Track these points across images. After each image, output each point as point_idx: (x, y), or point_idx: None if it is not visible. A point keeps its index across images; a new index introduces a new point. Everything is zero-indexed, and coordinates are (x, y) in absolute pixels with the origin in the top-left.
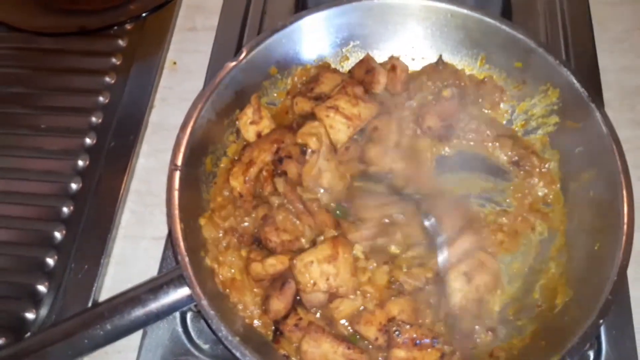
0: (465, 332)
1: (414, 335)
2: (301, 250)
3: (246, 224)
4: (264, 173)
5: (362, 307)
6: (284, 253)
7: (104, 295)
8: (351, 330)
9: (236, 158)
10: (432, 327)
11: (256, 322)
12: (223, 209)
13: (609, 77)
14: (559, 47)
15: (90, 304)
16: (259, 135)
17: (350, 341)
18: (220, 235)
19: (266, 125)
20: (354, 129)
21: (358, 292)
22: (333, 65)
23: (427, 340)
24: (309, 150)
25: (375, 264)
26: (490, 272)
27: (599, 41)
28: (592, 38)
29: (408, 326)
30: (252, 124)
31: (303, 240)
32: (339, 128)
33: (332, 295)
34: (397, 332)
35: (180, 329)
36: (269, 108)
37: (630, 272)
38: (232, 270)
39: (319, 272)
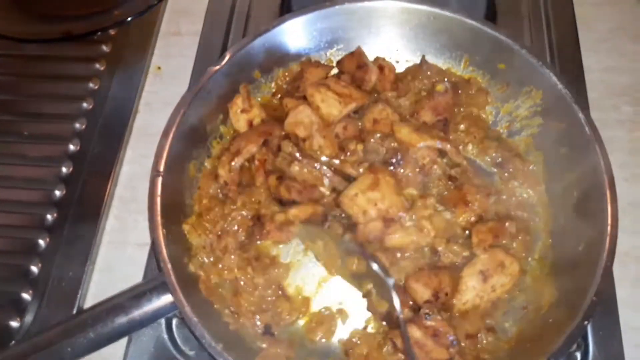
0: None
1: (440, 328)
2: (322, 197)
3: (243, 212)
4: (256, 163)
5: (414, 239)
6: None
7: (88, 302)
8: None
9: (225, 147)
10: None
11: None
12: (210, 212)
13: (594, 77)
14: (543, 48)
15: (74, 311)
16: (250, 124)
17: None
18: (213, 242)
19: (256, 114)
20: (346, 105)
21: (413, 223)
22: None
23: (449, 337)
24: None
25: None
26: (508, 272)
27: (583, 41)
28: (576, 38)
29: (439, 317)
30: (242, 112)
31: (322, 189)
32: (330, 103)
33: (388, 222)
34: (427, 316)
35: (165, 336)
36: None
37: (617, 272)
38: (235, 270)
39: (365, 200)
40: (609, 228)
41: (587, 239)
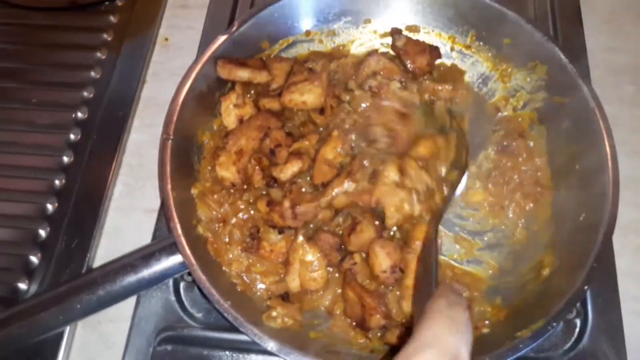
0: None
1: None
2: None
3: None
4: (252, 162)
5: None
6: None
7: (97, 264)
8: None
9: (217, 144)
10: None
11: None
12: (215, 193)
13: (596, 57)
14: (547, 29)
15: (84, 270)
16: (240, 121)
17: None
18: (219, 226)
19: (248, 112)
20: (323, 89)
21: None
22: (324, 41)
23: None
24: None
25: None
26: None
27: (586, 22)
28: (579, 19)
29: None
30: (235, 107)
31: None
32: (310, 94)
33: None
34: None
35: (173, 298)
36: None
37: (616, 244)
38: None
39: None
40: (610, 196)
41: (588, 209)
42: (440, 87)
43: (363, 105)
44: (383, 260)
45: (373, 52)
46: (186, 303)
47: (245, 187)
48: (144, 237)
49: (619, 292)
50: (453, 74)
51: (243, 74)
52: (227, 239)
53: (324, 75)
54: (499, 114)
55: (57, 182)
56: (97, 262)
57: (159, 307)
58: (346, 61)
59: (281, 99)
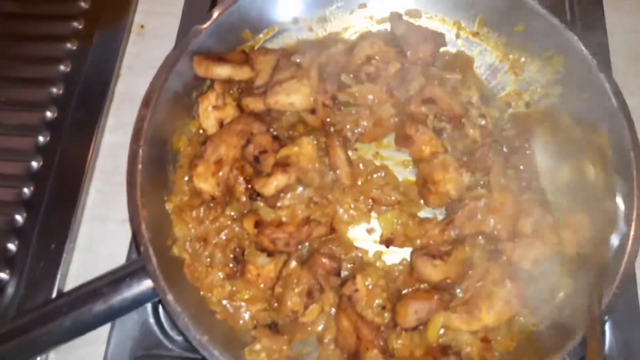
0: None
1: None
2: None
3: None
4: (234, 171)
5: None
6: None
7: (70, 284)
8: None
9: (196, 151)
10: None
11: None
12: (194, 208)
13: (617, 40)
14: (563, 6)
15: (54, 293)
16: (220, 124)
17: None
18: (199, 247)
19: (229, 114)
20: (312, 87)
21: None
22: (314, 28)
23: None
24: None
25: None
26: None
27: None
28: None
29: None
30: (214, 109)
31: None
32: (297, 94)
33: None
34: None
35: (152, 320)
36: None
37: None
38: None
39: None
40: (634, 214)
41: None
42: (448, 76)
43: (370, 97)
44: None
45: (366, 34)
46: (166, 325)
47: (227, 199)
48: (119, 250)
49: None
50: (460, 63)
51: (222, 71)
52: (207, 261)
53: (313, 70)
54: (509, 109)
55: (25, 190)
56: (71, 278)
57: (136, 330)
58: (337, 49)
59: (266, 100)
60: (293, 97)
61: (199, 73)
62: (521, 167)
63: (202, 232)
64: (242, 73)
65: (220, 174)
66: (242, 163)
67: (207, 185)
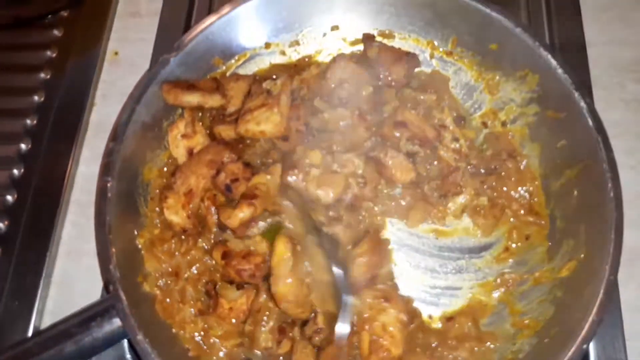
0: None
1: None
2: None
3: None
4: (205, 201)
5: None
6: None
7: (46, 321)
8: None
9: (166, 182)
10: None
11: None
12: (165, 242)
13: (596, 52)
14: (541, 19)
15: (31, 331)
16: (190, 153)
17: None
18: (171, 281)
19: (199, 142)
20: (282, 115)
21: None
22: (287, 52)
23: None
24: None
25: None
26: None
27: (584, 10)
28: (577, 7)
29: None
30: (183, 137)
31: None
32: (267, 122)
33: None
34: None
35: (128, 356)
36: None
37: (621, 274)
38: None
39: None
40: (612, 234)
41: (588, 246)
42: (423, 97)
43: (341, 123)
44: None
45: (339, 57)
46: None
47: (199, 230)
48: (96, 285)
49: (624, 331)
50: (435, 82)
51: (192, 99)
52: (179, 297)
53: (283, 97)
54: (485, 130)
55: (0, 224)
56: (47, 315)
57: None
58: (310, 73)
59: (236, 129)
60: (263, 126)
61: (168, 101)
62: (498, 188)
63: (173, 266)
64: (212, 101)
65: (191, 205)
66: (214, 192)
67: (177, 217)
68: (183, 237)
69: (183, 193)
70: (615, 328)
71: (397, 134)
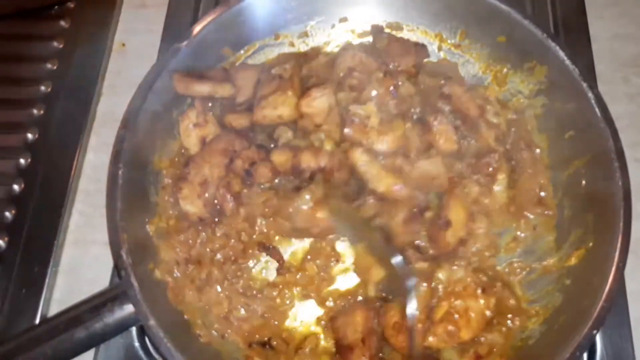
0: None
1: None
2: None
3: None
4: (221, 190)
5: None
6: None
7: (53, 309)
8: None
9: (179, 173)
10: None
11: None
12: (182, 232)
13: (601, 46)
14: (546, 14)
15: (38, 319)
16: (202, 142)
17: None
18: (192, 270)
19: (211, 131)
20: (297, 96)
21: None
22: (295, 43)
23: None
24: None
25: None
26: None
27: (589, 6)
28: (582, 2)
29: None
30: (195, 127)
31: None
32: (284, 106)
33: None
34: None
35: (137, 344)
36: None
37: (628, 265)
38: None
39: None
40: (621, 224)
41: (597, 235)
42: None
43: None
44: None
45: (348, 46)
46: (151, 349)
47: (216, 219)
48: (103, 273)
49: (630, 321)
50: (444, 69)
51: (202, 88)
52: (198, 284)
53: (295, 79)
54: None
55: (7, 213)
56: (55, 303)
57: (121, 355)
58: (318, 62)
59: (253, 117)
60: (280, 110)
61: (179, 91)
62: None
63: (194, 255)
64: (222, 90)
65: (207, 194)
66: (228, 179)
67: (193, 207)
68: (200, 227)
69: (198, 183)
70: (621, 316)
71: (441, 105)
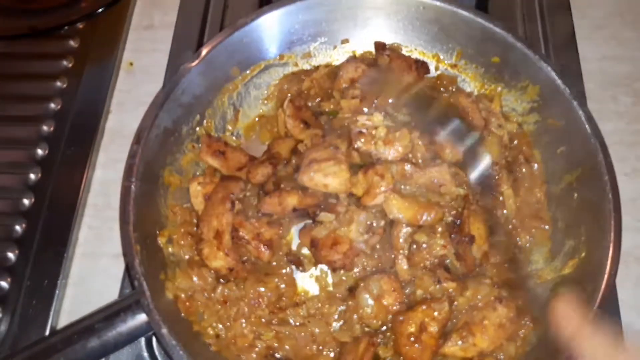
0: None
1: None
2: None
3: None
4: (241, 233)
5: None
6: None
7: (63, 320)
8: None
9: (197, 237)
10: None
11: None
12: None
13: (590, 67)
14: (537, 37)
15: (48, 330)
16: (206, 199)
17: None
18: (219, 308)
19: (211, 188)
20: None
21: None
22: (299, 64)
23: None
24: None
25: None
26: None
27: (578, 28)
28: (571, 26)
29: None
30: (200, 185)
31: None
32: (334, 177)
33: None
34: None
35: (145, 354)
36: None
37: (618, 275)
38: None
39: None
40: (612, 235)
41: (589, 246)
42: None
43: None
44: None
45: (351, 58)
46: (160, 359)
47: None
48: (112, 286)
49: (622, 326)
50: (444, 83)
51: (217, 166)
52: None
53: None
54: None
55: (17, 227)
56: (64, 314)
57: None
58: (319, 74)
59: (299, 177)
60: (330, 179)
61: (201, 154)
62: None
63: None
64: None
65: (224, 244)
66: (238, 220)
67: (219, 261)
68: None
69: (213, 237)
70: (614, 325)
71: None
